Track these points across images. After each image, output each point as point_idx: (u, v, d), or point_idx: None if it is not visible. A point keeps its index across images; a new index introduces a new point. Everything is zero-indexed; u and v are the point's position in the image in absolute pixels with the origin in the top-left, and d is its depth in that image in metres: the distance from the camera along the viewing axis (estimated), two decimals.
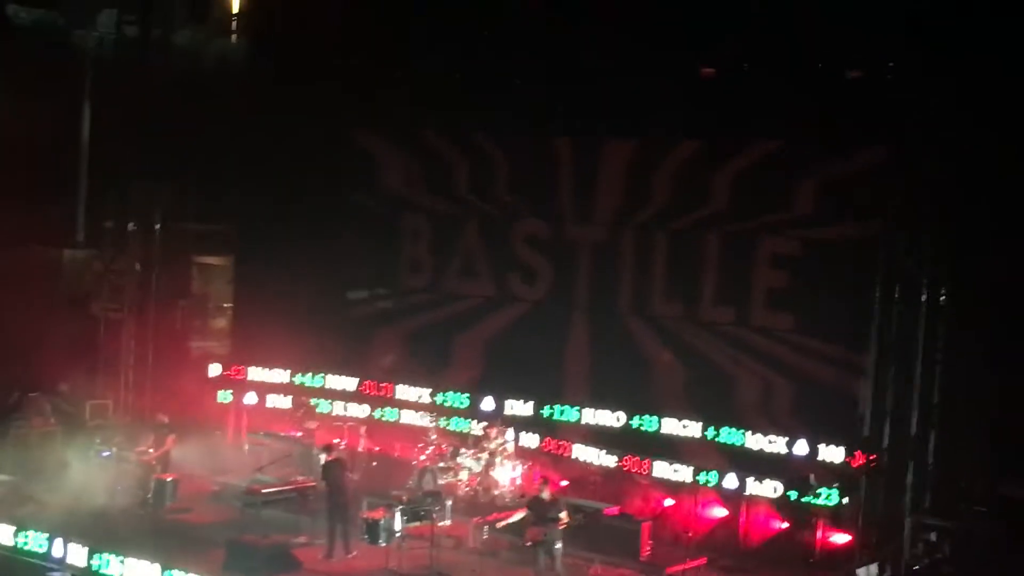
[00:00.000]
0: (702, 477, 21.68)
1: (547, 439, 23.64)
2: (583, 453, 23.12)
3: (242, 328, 27.87)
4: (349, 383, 25.76)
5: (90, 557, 18.24)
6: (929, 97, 19.63)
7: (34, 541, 18.81)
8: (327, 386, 25.93)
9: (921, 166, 19.88)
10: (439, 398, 24.81)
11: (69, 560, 18.48)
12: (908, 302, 20.11)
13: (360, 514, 20.44)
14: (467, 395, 24.47)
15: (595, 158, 24.44)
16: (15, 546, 18.91)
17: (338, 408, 25.67)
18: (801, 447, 21.19)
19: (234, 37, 29.09)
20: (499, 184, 25.47)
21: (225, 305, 30.42)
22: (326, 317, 26.61)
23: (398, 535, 19.57)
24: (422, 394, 25.02)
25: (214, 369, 26.73)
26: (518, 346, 25.05)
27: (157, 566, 17.71)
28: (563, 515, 18.92)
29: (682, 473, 21.94)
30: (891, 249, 20.20)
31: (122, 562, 17.99)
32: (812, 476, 20.92)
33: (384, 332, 26.81)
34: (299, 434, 25.19)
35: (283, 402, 26.04)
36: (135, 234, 25.89)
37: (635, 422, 22.83)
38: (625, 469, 22.63)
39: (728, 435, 21.95)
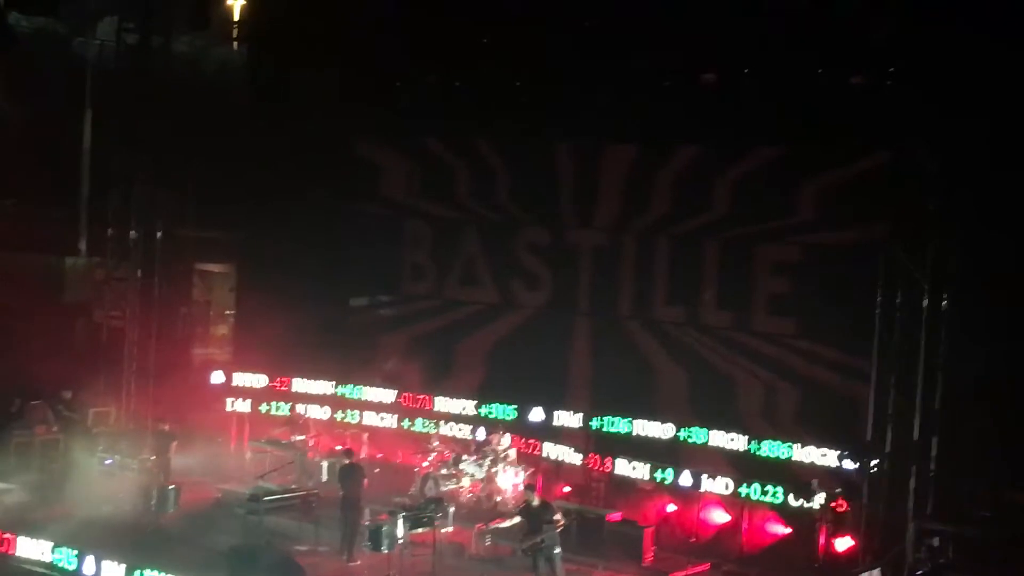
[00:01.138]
0: (658, 475, 21.96)
1: (514, 438, 23.60)
2: (553, 451, 23.29)
3: (244, 335, 27.87)
4: (387, 395, 25.35)
5: (128, 574, 17.75)
6: (930, 101, 19.59)
7: (65, 558, 18.34)
8: (365, 397, 25.54)
9: (923, 171, 19.86)
10: (483, 410, 24.20)
11: None
12: (910, 307, 20.10)
13: (362, 521, 20.43)
14: (514, 407, 23.85)
15: (596, 164, 24.48)
16: (51, 563, 18.45)
17: (370, 419, 25.33)
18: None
19: (235, 44, 29.14)
20: (500, 190, 25.50)
21: (227, 312, 30.45)
22: (328, 324, 26.62)
23: (400, 542, 19.55)
24: (466, 406, 24.45)
25: (259, 381, 26.18)
26: (520, 352, 25.07)
27: None
28: (557, 516, 18.81)
29: (639, 471, 22.19)
30: (893, 254, 20.19)
31: None
32: (815, 482, 20.92)
33: (386, 339, 26.83)
34: (298, 438, 25.16)
35: (321, 412, 25.65)
36: (137, 241, 25.85)
37: (682, 434, 22.33)
38: (589, 467, 22.95)
39: (772, 448, 21.61)
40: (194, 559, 19.73)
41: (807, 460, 21.26)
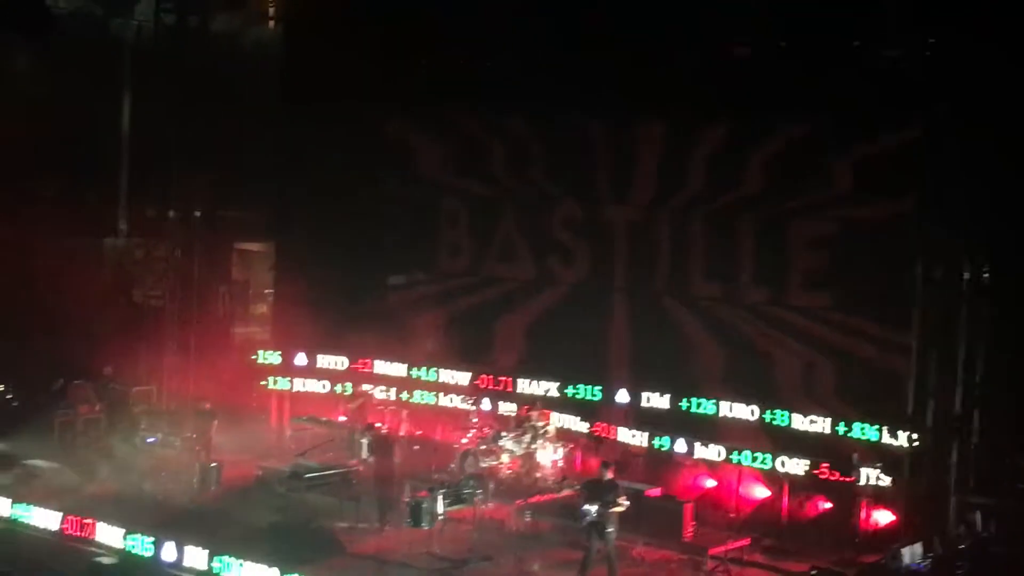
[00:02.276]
0: (656, 442, 22.57)
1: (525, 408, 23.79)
2: (558, 420, 23.53)
3: (283, 314, 28.00)
4: (462, 377, 25.28)
5: (210, 560, 17.86)
6: (966, 72, 19.37)
7: (140, 545, 18.46)
8: (440, 380, 25.51)
9: (958, 142, 19.66)
10: (569, 391, 24.11)
11: (187, 563, 18.04)
12: (950, 280, 19.93)
13: (403, 497, 20.54)
14: (599, 388, 23.78)
15: (630, 140, 24.38)
16: (124, 549, 18.54)
17: (444, 401, 25.45)
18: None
19: (271, 23, 29.19)
20: (535, 166, 25.46)
21: (266, 291, 30.59)
22: (366, 302, 26.70)
23: (440, 518, 19.64)
24: (549, 388, 24.25)
25: (341, 363, 26.26)
26: (557, 328, 25.06)
27: (276, 570, 17.35)
28: (622, 499, 18.63)
29: (638, 438, 22.78)
30: (930, 227, 20.02)
31: (241, 565, 17.66)
32: (856, 455, 20.85)
33: (424, 317, 26.87)
34: (343, 418, 25.31)
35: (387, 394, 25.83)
36: (176, 222, 26.04)
37: (767, 416, 22.21)
38: (597, 434, 23.40)
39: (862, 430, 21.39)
40: (235, 536, 19.89)
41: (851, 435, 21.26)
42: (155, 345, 26.17)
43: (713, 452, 21.98)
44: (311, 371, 26.39)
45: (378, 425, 23.84)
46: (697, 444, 22.15)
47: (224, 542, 18.73)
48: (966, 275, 19.82)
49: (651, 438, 22.66)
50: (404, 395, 25.76)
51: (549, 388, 24.25)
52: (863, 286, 21.60)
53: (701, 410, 22.85)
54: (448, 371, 25.42)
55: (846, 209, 21.97)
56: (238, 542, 19.42)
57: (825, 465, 21.05)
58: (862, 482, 20.61)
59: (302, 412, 26.02)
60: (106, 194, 28.61)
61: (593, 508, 18.30)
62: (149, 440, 23.09)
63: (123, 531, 18.67)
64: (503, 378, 24.76)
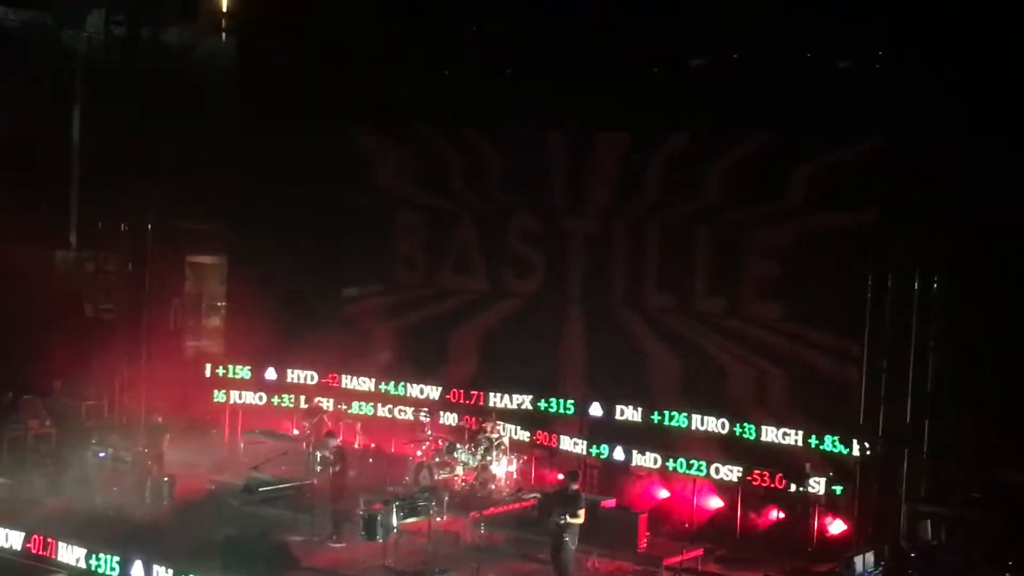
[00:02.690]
0: (594, 450, 22.82)
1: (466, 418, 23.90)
2: (503, 430, 23.48)
3: (236, 327, 27.85)
4: (432, 391, 25.00)
5: None
6: (920, 85, 19.61)
7: (106, 564, 17.85)
8: (408, 394, 25.25)
9: (913, 155, 19.89)
10: (542, 405, 23.96)
11: None
12: (901, 291, 20.14)
13: (356, 510, 20.46)
14: (572, 401, 23.64)
15: (587, 151, 24.47)
16: (88, 569, 17.99)
17: (399, 414, 25.24)
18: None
19: (224, 36, 29.07)
20: (492, 179, 25.49)
21: (219, 304, 30.42)
22: (320, 314, 26.60)
23: (395, 531, 19.58)
24: (523, 401, 24.09)
25: (311, 378, 26.01)
26: (513, 340, 25.09)
27: None
28: (580, 512, 18.69)
29: (579, 447, 23.01)
30: (884, 238, 20.22)
31: None
32: (808, 465, 20.98)
33: (379, 329, 26.82)
34: (296, 432, 25.19)
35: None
36: (127, 234, 25.84)
37: (737, 428, 22.24)
38: (538, 443, 23.56)
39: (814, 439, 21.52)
40: (188, 550, 19.73)
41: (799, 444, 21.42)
42: (106, 359, 25.94)
43: (650, 459, 22.24)
44: (280, 386, 26.12)
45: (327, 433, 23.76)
46: (634, 452, 22.37)
47: (178, 556, 18.56)
48: (916, 285, 20.02)
49: (589, 446, 22.85)
50: (358, 408, 25.57)
51: (523, 401, 24.13)
52: (816, 296, 21.77)
53: (673, 423, 22.79)
54: (418, 385, 25.18)
55: (800, 220, 22.14)
56: (192, 556, 19.27)
57: (758, 472, 21.23)
58: (814, 491, 20.72)
59: (254, 426, 25.88)
60: (57, 206, 28.36)
61: (561, 519, 18.43)
62: (100, 455, 22.84)
63: (85, 551, 18.41)
64: (474, 392, 24.55)
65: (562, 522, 18.51)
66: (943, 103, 19.45)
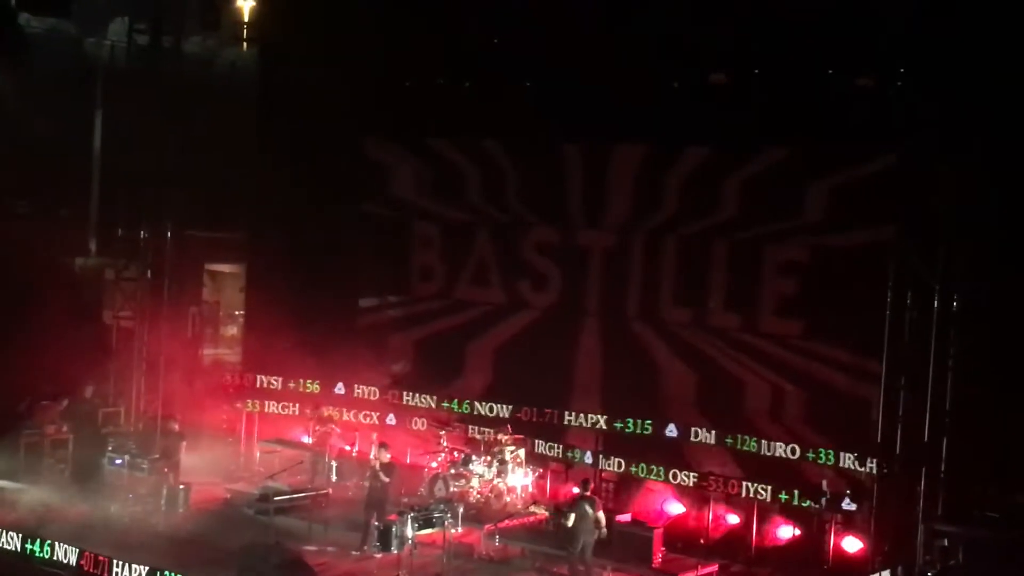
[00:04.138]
0: (570, 454, 23.50)
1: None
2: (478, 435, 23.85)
3: (254, 335, 27.90)
4: (503, 410, 24.50)
5: None
6: (940, 101, 19.58)
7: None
8: (476, 412, 24.66)
9: (933, 172, 19.84)
10: (618, 425, 23.29)
11: None
12: (920, 308, 20.08)
13: (372, 521, 20.47)
14: (649, 422, 23.16)
15: (605, 165, 24.48)
16: None
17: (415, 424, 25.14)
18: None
19: (245, 45, 29.18)
20: (509, 191, 25.52)
21: (237, 312, 30.47)
22: (337, 324, 26.64)
23: (410, 542, 19.58)
24: (597, 420, 23.59)
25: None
26: (528, 353, 25.07)
27: None
28: (600, 512, 19.34)
29: (554, 451, 23.65)
30: (903, 256, 20.17)
31: None
32: (824, 483, 20.92)
33: (395, 340, 26.85)
34: (306, 439, 25.22)
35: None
36: (146, 242, 25.93)
37: (810, 455, 21.67)
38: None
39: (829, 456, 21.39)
40: (203, 559, 19.78)
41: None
42: (124, 366, 26.02)
43: (615, 464, 22.78)
44: (348, 400, 25.90)
45: (347, 448, 23.81)
46: (600, 457, 22.80)
47: (191, 565, 18.59)
48: (935, 303, 19.96)
49: (564, 451, 23.34)
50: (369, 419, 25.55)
51: (597, 420, 23.73)
52: (835, 314, 21.69)
53: (745, 448, 22.21)
54: (487, 403, 24.65)
55: (819, 236, 22.09)
56: (207, 565, 19.33)
57: (713, 478, 21.72)
58: (830, 509, 20.66)
59: (270, 435, 25.90)
60: (77, 214, 28.50)
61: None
62: (116, 462, 22.90)
63: (145, 568, 18.33)
64: (548, 410, 24.12)
65: (568, 523, 19.02)
66: (963, 119, 19.41)
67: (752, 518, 21.54)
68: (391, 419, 24.65)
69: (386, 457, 21.19)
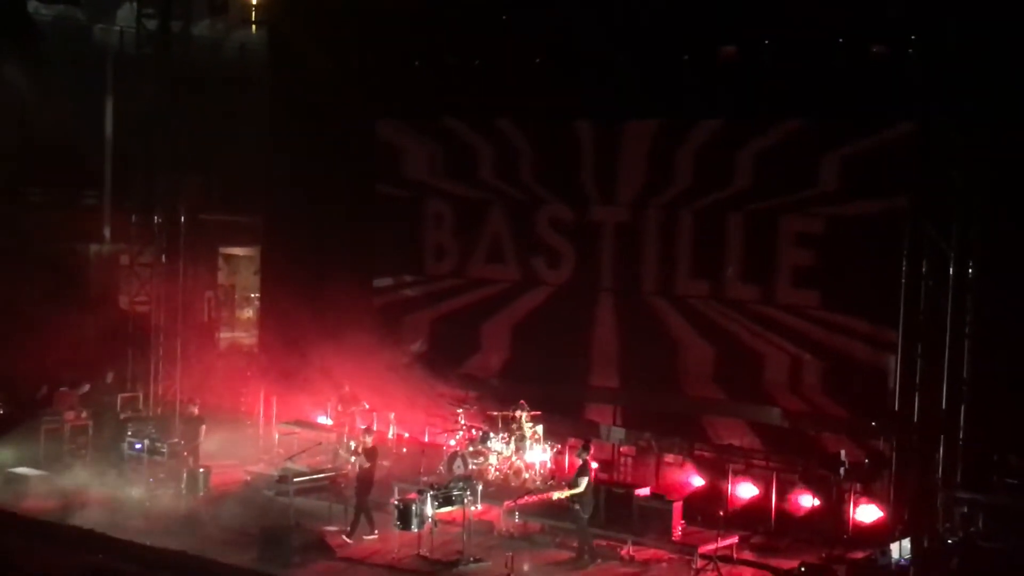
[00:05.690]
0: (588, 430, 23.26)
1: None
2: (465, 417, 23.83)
3: (269, 318, 27.94)
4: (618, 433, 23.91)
5: None
6: (954, 68, 19.44)
7: None
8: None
9: (947, 139, 19.73)
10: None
11: None
12: (936, 277, 20.00)
13: (391, 500, 20.52)
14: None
15: (618, 140, 24.40)
16: None
17: None
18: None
19: (254, 28, 29.18)
20: (523, 168, 25.46)
21: (252, 295, 30.53)
22: (352, 305, 26.65)
23: (429, 520, 19.63)
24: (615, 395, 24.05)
25: None
26: (545, 330, 25.07)
27: None
28: (582, 481, 19.75)
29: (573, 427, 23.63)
30: (918, 224, 20.08)
31: None
32: (843, 452, 20.89)
33: (410, 319, 26.86)
34: (323, 419, 25.27)
35: None
36: (160, 227, 26.00)
37: None
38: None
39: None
40: (224, 541, 19.87)
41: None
42: (141, 351, 26.10)
43: (632, 438, 22.96)
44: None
45: (364, 427, 23.79)
46: (619, 431, 23.04)
47: (212, 547, 18.66)
48: (951, 271, 19.88)
49: (582, 427, 23.26)
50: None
51: (616, 395, 24.07)
52: (851, 283, 21.63)
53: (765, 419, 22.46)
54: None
55: (834, 206, 21.99)
56: (227, 547, 19.42)
57: (732, 449, 21.96)
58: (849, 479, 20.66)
59: (288, 417, 25.96)
60: (90, 200, 28.57)
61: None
62: (136, 447, 22.99)
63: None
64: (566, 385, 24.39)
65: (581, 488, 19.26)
66: (977, 86, 19.28)
67: (771, 489, 21.53)
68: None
69: (368, 442, 21.19)
